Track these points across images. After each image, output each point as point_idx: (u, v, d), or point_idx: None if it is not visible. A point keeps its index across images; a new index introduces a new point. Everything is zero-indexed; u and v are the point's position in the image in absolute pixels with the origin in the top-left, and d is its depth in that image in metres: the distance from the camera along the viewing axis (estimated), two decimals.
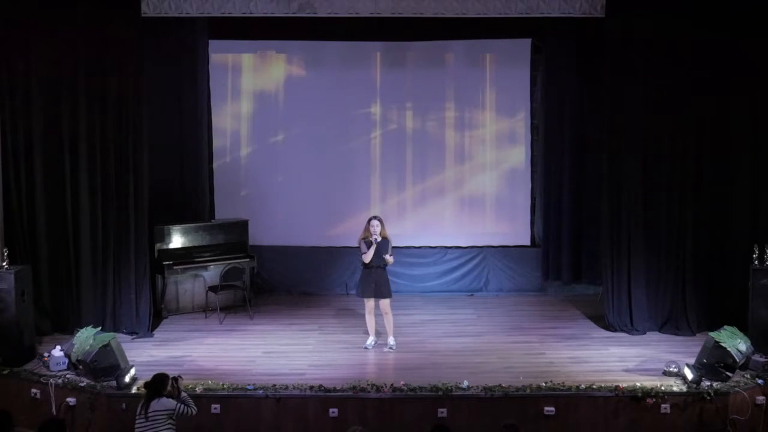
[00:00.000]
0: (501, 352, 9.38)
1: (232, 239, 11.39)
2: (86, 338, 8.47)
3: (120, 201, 9.85)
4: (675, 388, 8.10)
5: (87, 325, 8.89)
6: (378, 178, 12.19)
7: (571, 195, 11.85)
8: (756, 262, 9.11)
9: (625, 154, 9.90)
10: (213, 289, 10.84)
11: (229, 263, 10.84)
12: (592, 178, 11.32)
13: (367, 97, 12.11)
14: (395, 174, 12.19)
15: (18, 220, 9.75)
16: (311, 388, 8.09)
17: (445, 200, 12.23)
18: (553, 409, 7.95)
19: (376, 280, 9.35)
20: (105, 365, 8.30)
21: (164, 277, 10.83)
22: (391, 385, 8.13)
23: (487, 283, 12.16)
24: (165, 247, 10.93)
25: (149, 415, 6.92)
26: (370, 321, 9.56)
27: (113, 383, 8.11)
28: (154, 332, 10.08)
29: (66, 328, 9.76)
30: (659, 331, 10.01)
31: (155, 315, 10.31)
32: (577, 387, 8.11)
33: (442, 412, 7.95)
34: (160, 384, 7.05)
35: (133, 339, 9.75)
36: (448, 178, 12.20)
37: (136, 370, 8.34)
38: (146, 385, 7.21)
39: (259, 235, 11.79)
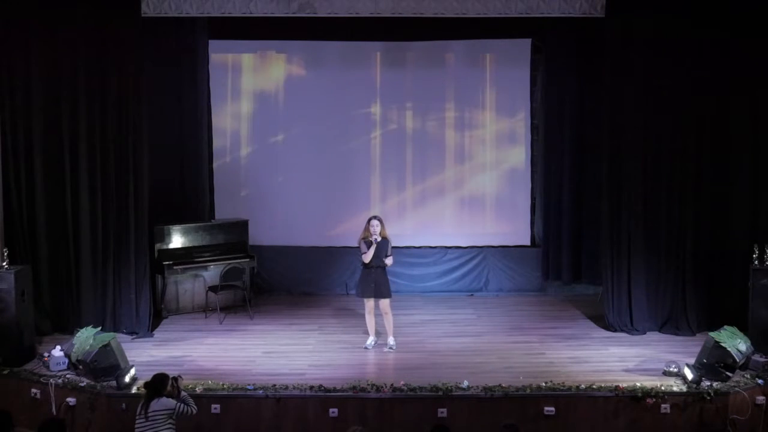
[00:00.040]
0: (501, 352, 9.38)
1: (232, 239, 11.39)
2: (86, 338, 8.48)
3: (120, 201, 9.85)
4: (675, 388, 8.10)
5: (87, 325, 8.90)
6: (378, 178, 12.19)
7: (571, 195, 11.85)
8: (756, 262, 9.11)
9: (625, 154, 9.90)
10: (213, 289, 10.84)
11: (229, 263, 10.84)
12: (592, 178, 11.32)
13: (367, 97, 12.11)
14: (395, 174, 12.19)
15: (18, 220, 9.75)
16: (311, 388, 8.09)
17: (445, 200, 12.23)
18: (553, 409, 7.95)
19: (375, 280, 9.35)
20: (105, 365, 8.30)
21: (164, 277, 10.83)
22: (391, 385, 8.13)
23: (487, 283, 12.16)
24: (165, 247, 10.93)
25: (149, 415, 6.92)
26: (370, 321, 9.56)
27: (113, 383, 8.11)
28: (154, 332, 10.08)
29: (66, 328, 9.76)
30: (659, 331, 10.01)
31: (155, 315, 10.31)
32: (577, 387, 8.11)
33: (442, 412, 7.95)
34: (159, 384, 7.05)
35: (133, 339, 9.75)
36: (448, 178, 12.20)
37: (136, 370, 8.34)
38: (146, 385, 7.21)
39: (259, 235, 11.79)
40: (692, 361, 8.47)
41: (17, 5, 9.56)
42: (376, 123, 12.14)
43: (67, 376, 8.40)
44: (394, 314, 9.67)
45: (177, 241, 11.04)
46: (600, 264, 10.67)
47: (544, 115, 12.04)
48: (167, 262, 10.76)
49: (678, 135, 9.85)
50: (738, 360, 8.28)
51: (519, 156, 12.18)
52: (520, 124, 12.15)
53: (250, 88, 12.15)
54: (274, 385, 8.11)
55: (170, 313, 10.91)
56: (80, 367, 8.43)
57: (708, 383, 8.13)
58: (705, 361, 8.36)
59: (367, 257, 9.31)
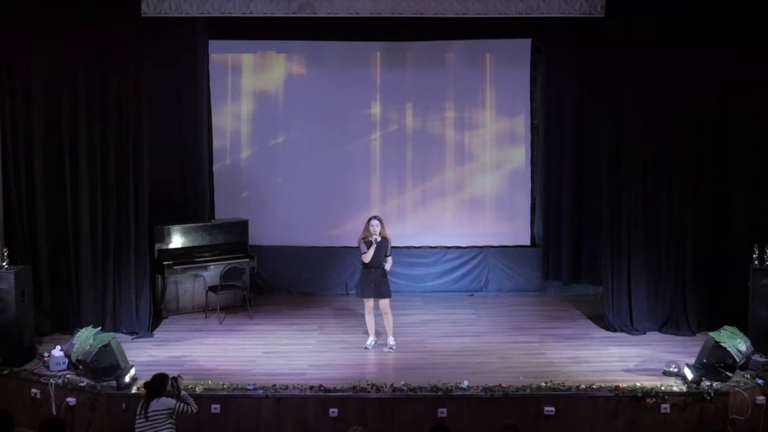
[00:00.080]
0: (501, 352, 9.38)
1: (232, 239, 11.38)
2: (86, 338, 8.47)
3: (120, 201, 9.85)
4: (675, 388, 8.10)
5: (87, 325, 8.89)
6: (378, 178, 12.19)
7: (571, 195, 11.85)
8: (756, 262, 9.11)
9: (625, 154, 9.90)
10: (213, 289, 10.84)
11: (229, 263, 10.84)
12: (592, 178, 11.32)
13: (367, 97, 12.12)
14: (395, 174, 12.19)
15: (18, 220, 9.75)
16: (311, 388, 8.09)
17: (445, 200, 12.23)
18: (553, 409, 7.95)
19: (375, 280, 9.35)
20: (105, 365, 8.30)
21: (164, 277, 10.83)
22: (391, 385, 8.13)
23: (487, 283, 12.16)
24: (165, 247, 10.93)
25: (149, 415, 6.92)
26: (370, 321, 9.56)
27: (113, 383, 8.11)
28: (154, 332, 10.08)
29: (66, 328, 9.76)
30: (659, 331, 10.01)
31: (155, 315, 10.31)
32: (577, 387, 8.11)
33: (442, 412, 7.95)
34: (159, 384, 7.05)
35: (133, 339, 9.75)
36: (448, 178, 12.20)
37: (136, 370, 8.34)
38: (146, 385, 7.21)
39: (259, 235, 11.79)
40: (692, 361, 8.47)
41: (17, 5, 9.56)
42: (376, 123, 12.14)
43: (67, 376, 8.40)
44: (394, 314, 9.67)
45: (177, 241, 11.03)
46: (600, 264, 10.67)
47: (544, 115, 12.04)
48: (167, 262, 10.76)
49: (678, 135, 9.85)
50: (738, 360, 8.28)
51: (519, 156, 12.18)
52: (520, 124, 12.15)
53: (250, 88, 12.15)
54: (274, 385, 8.11)
55: (170, 313, 10.91)
56: (80, 367, 8.43)
57: (708, 383, 8.13)
58: (705, 361, 8.36)
59: (367, 257, 9.31)
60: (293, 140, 12.10)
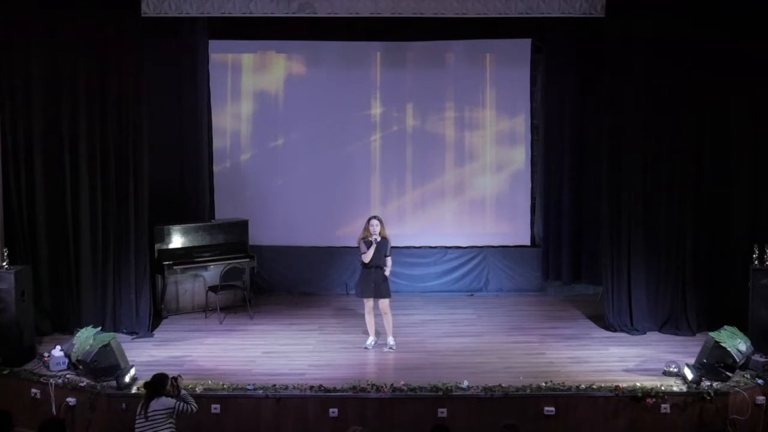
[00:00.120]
0: (501, 352, 9.38)
1: (232, 239, 11.38)
2: (86, 338, 8.47)
3: (120, 201, 9.85)
4: (675, 388, 8.10)
5: (87, 325, 8.89)
6: (378, 178, 12.19)
7: (571, 195, 11.85)
8: (756, 262, 9.11)
9: (625, 154, 9.90)
10: (213, 289, 10.84)
11: (229, 263, 10.84)
12: (592, 178, 11.32)
13: (367, 97, 12.11)
14: (395, 174, 12.18)
15: (18, 220, 9.75)
16: (311, 388, 8.09)
17: (445, 200, 12.23)
18: (553, 409, 7.95)
19: (375, 280, 9.35)
20: (105, 365, 8.30)
21: (164, 277, 10.83)
22: (391, 385, 8.13)
23: (487, 283, 12.16)
24: (165, 247, 10.93)
25: (149, 414, 6.92)
26: (370, 321, 9.55)
27: (113, 383, 8.11)
28: (154, 332, 10.08)
29: (66, 328, 9.76)
30: (659, 331, 10.01)
31: (155, 315, 10.31)
32: (577, 387, 8.11)
33: (442, 412, 7.95)
34: (159, 384, 7.05)
35: (133, 339, 9.75)
36: (448, 178, 12.20)
37: (136, 370, 8.34)
38: (146, 385, 7.21)
39: (259, 235, 11.78)
40: (692, 361, 8.47)
41: (17, 5, 9.56)
42: (376, 123, 12.14)
43: (67, 376, 8.40)
44: (394, 314, 9.67)
45: (177, 241, 11.03)
46: (600, 264, 10.67)
47: (544, 115, 12.04)
48: (167, 262, 10.76)
49: (678, 135, 9.85)
50: (738, 360, 8.28)
51: (519, 156, 12.18)
52: (520, 124, 12.15)
53: (250, 88, 12.15)
54: (274, 385, 8.11)
55: (170, 313, 10.91)
56: (80, 367, 8.43)
57: (708, 383, 8.13)
58: (705, 361, 8.36)
59: (367, 257, 9.31)
60: (293, 140, 12.10)
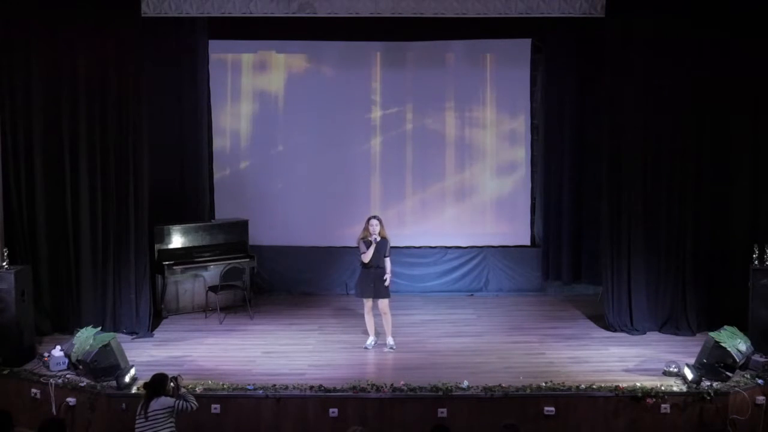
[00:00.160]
0: (501, 352, 9.38)
1: (232, 239, 11.38)
2: (86, 338, 8.47)
3: (120, 201, 9.85)
4: (675, 388, 8.10)
5: (87, 325, 8.89)
6: (378, 178, 12.19)
7: (571, 195, 11.85)
8: (756, 262, 9.11)
9: (625, 154, 9.90)
10: (213, 289, 10.84)
11: (229, 263, 10.84)
12: (592, 178, 11.32)
13: (367, 97, 12.11)
14: (395, 174, 12.18)
15: (18, 220, 9.75)
16: (311, 388, 8.08)
17: (445, 200, 12.22)
18: (553, 409, 7.95)
19: (374, 281, 9.34)
20: (105, 365, 8.30)
21: (164, 277, 10.83)
22: (391, 385, 8.13)
23: (487, 283, 12.16)
24: (165, 247, 10.93)
25: (149, 414, 6.92)
26: (370, 321, 9.55)
27: (113, 383, 8.11)
28: (154, 332, 10.08)
29: (66, 328, 9.76)
30: (659, 331, 10.01)
31: (155, 315, 10.31)
32: (577, 387, 8.11)
33: (442, 412, 7.95)
34: (159, 384, 7.05)
35: (133, 339, 9.75)
36: (447, 178, 12.20)
37: (136, 370, 8.33)
38: (145, 385, 7.21)
39: (259, 235, 11.78)
40: (692, 361, 8.47)
41: (17, 5, 9.56)
42: (375, 123, 12.14)
43: (67, 376, 8.40)
44: (394, 314, 9.68)
45: (177, 241, 11.03)
46: (600, 264, 10.67)
47: (544, 115, 12.04)
48: (167, 262, 10.77)
49: (678, 135, 9.85)
50: (738, 360, 8.28)
51: (519, 156, 12.18)
52: (520, 124, 12.15)
53: (250, 88, 12.15)
54: (274, 385, 8.11)
55: (170, 313, 10.91)
56: (80, 367, 8.43)
57: (708, 383, 8.13)
58: (705, 361, 8.35)
59: (367, 257, 9.31)
60: (293, 140, 12.10)
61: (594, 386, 8.11)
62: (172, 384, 7.10)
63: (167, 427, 6.95)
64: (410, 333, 10.07)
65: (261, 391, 8.04)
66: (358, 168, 12.15)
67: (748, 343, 8.54)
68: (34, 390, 8.30)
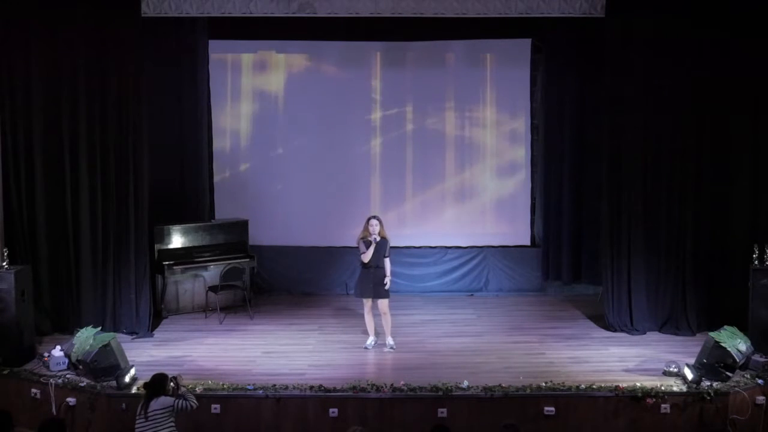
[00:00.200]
0: (501, 352, 9.38)
1: (232, 239, 11.38)
2: (86, 338, 8.47)
3: (120, 201, 9.86)
4: (675, 388, 8.10)
5: (87, 325, 8.89)
6: (378, 178, 12.19)
7: (571, 195, 11.85)
8: (756, 262, 9.11)
9: (625, 154, 9.91)
10: (213, 289, 10.84)
11: (229, 263, 10.84)
12: (592, 178, 11.32)
13: (368, 96, 12.11)
14: (395, 174, 12.18)
15: (18, 220, 9.75)
16: (311, 388, 8.08)
17: (445, 200, 12.22)
18: (553, 409, 7.95)
19: (374, 281, 9.34)
20: (105, 365, 8.30)
21: (164, 277, 10.83)
22: (391, 385, 8.13)
23: (487, 283, 12.16)
24: (165, 247, 10.93)
25: (149, 414, 6.92)
26: (369, 321, 9.55)
27: (113, 383, 8.11)
28: (154, 332, 10.08)
29: (66, 328, 9.76)
30: (659, 331, 10.01)
31: (155, 315, 10.31)
32: (577, 387, 8.11)
33: (442, 412, 7.95)
34: (159, 384, 7.05)
35: (133, 339, 9.75)
36: (447, 178, 12.20)
37: (136, 370, 8.34)
38: (145, 385, 7.21)
39: (259, 235, 11.78)
40: (692, 361, 8.47)
41: (17, 5, 9.56)
42: (375, 123, 12.14)
43: (67, 376, 8.40)
44: (394, 314, 9.68)
45: (177, 241, 11.03)
46: (600, 264, 10.67)
47: (544, 115, 12.04)
48: (167, 262, 10.77)
49: (678, 135, 9.86)
50: (738, 360, 8.28)
51: (519, 156, 12.18)
52: (520, 124, 12.15)
53: (250, 88, 12.14)
54: (274, 385, 8.11)
55: (170, 313, 10.91)
56: (80, 367, 8.43)
57: (708, 383, 8.13)
58: (705, 361, 8.36)
59: (366, 257, 9.30)
60: (293, 140, 12.10)
61: (594, 386, 8.11)
62: (172, 384, 7.12)
63: (167, 427, 6.95)
64: (410, 333, 10.08)
65: (261, 391, 8.04)
66: (358, 168, 12.15)
67: (748, 343, 8.54)
68: (34, 390, 8.30)
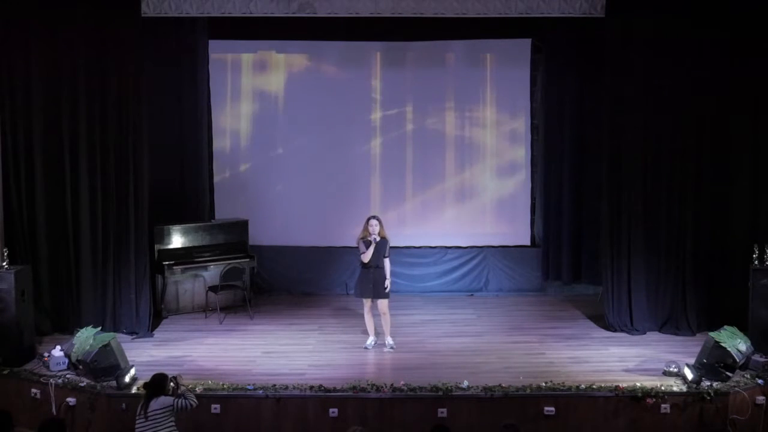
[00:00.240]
0: (501, 352, 9.38)
1: (232, 239, 11.38)
2: (86, 338, 8.47)
3: (120, 201, 9.86)
4: (675, 388, 8.10)
5: (87, 325, 8.89)
6: (378, 178, 12.19)
7: (571, 195, 11.85)
8: (756, 262, 9.11)
9: (625, 154, 9.91)
10: (213, 289, 10.84)
11: (229, 263, 10.84)
12: (592, 178, 11.32)
13: (367, 97, 12.11)
14: (395, 174, 12.18)
15: (18, 220, 9.75)
16: (311, 388, 8.09)
17: (445, 200, 12.22)
18: (553, 409, 7.95)
19: (374, 281, 9.34)
20: (105, 365, 8.30)
21: (164, 277, 10.83)
22: (391, 385, 8.13)
23: (487, 283, 12.16)
24: (165, 247, 10.93)
25: (149, 414, 6.92)
26: (369, 321, 9.55)
27: (113, 383, 8.11)
28: (154, 332, 10.08)
29: (66, 328, 9.76)
30: (659, 331, 10.01)
31: (155, 315, 10.31)
32: (577, 387, 8.11)
33: (442, 412, 7.95)
34: (158, 384, 7.05)
35: (133, 339, 9.75)
36: (447, 178, 12.20)
37: (136, 370, 8.34)
38: (145, 385, 7.22)
39: (259, 235, 11.78)
40: (692, 361, 8.47)
41: (17, 5, 9.56)
42: (375, 123, 12.14)
43: (67, 376, 8.40)
44: (394, 314, 9.68)
45: (177, 241, 11.03)
46: (600, 264, 10.67)
47: (544, 115, 12.04)
48: (167, 262, 10.77)
49: (678, 135, 9.86)
50: (738, 360, 8.28)
51: (519, 156, 12.18)
52: (520, 124, 12.15)
53: (250, 88, 12.14)
54: (274, 385, 8.11)
55: (170, 313, 10.91)
56: (80, 367, 8.43)
57: (708, 383, 8.13)
58: (705, 361, 8.36)
59: (366, 257, 9.30)
60: (293, 140, 12.09)
61: (594, 386, 8.11)
62: (171, 384, 7.12)
63: (167, 427, 6.95)
64: (410, 333, 10.08)
65: (261, 391, 8.04)
66: (358, 168, 12.15)
67: (748, 343, 8.54)
68: (34, 390, 8.30)
